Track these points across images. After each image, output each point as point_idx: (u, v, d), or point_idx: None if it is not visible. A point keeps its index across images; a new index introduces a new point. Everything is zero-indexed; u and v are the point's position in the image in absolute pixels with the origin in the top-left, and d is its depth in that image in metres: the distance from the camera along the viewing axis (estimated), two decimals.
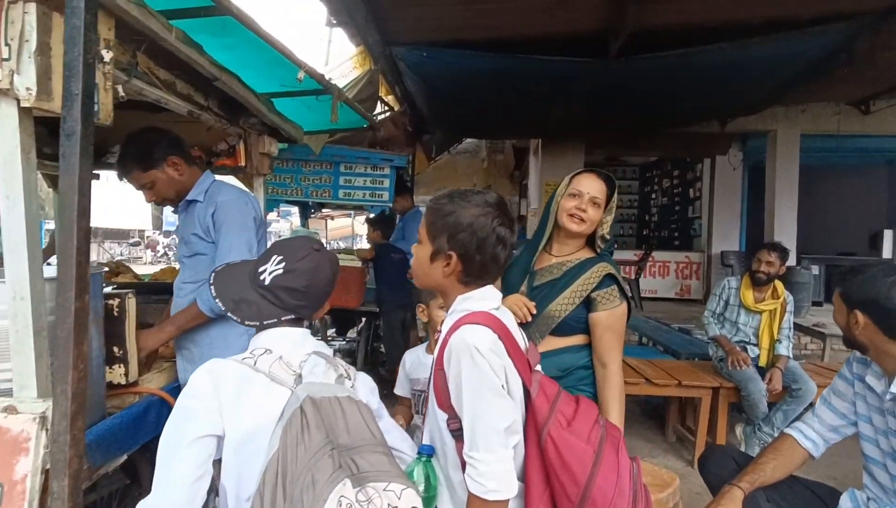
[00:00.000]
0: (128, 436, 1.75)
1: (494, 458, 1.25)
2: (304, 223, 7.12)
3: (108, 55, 1.59)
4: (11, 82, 1.35)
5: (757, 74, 5.11)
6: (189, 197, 2.26)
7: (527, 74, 5.17)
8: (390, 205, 5.18)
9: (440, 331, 1.44)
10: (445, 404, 1.33)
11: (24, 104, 1.36)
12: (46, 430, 1.35)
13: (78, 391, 1.24)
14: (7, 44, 1.37)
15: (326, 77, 3.04)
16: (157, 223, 27.39)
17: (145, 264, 22.41)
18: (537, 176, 9.03)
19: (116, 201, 17.29)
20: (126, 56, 1.81)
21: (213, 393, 1.22)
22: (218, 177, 2.47)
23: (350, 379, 1.43)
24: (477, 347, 1.26)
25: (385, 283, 5.03)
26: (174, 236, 25.44)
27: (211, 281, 1.42)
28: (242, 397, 1.24)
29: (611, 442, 1.39)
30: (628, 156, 12.10)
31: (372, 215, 5.56)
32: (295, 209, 7.45)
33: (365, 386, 1.49)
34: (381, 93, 5.56)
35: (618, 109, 6.32)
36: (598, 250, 2.10)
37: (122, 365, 1.85)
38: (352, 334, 6.71)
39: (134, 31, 1.77)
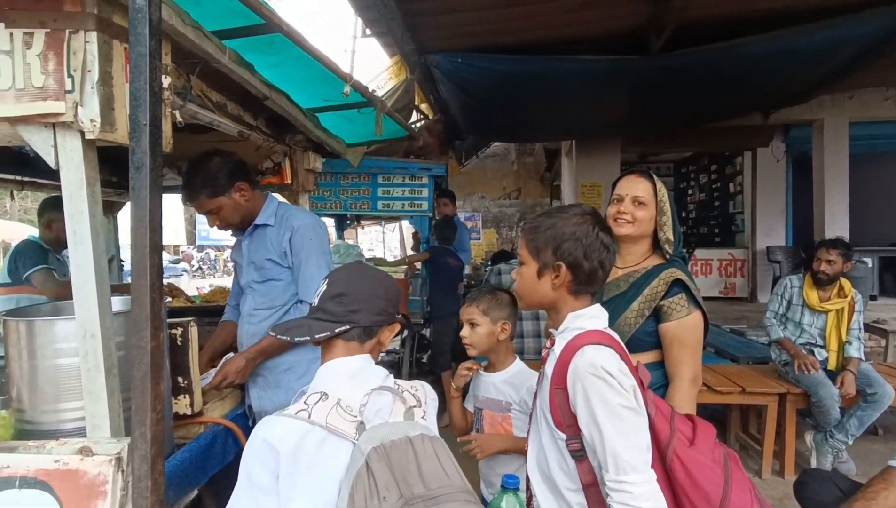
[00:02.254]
0: (198, 470, 1.70)
1: (644, 478, 1.21)
2: (341, 236, 7.10)
3: (165, 81, 1.55)
4: (76, 115, 1.31)
5: (807, 63, 4.89)
6: (258, 222, 2.22)
7: (564, 76, 5.05)
8: (430, 214, 5.11)
9: (548, 347, 1.43)
10: (565, 423, 1.30)
11: (89, 136, 1.32)
12: (122, 471, 1.30)
13: (157, 434, 1.19)
14: (70, 75, 1.33)
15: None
16: (191, 238, 27.92)
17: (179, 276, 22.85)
18: (572, 177, 8.86)
19: None
20: (181, 80, 1.78)
21: (274, 462, 1.11)
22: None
23: (421, 405, 1.33)
24: (606, 369, 1.24)
25: (438, 290, 4.88)
26: (208, 251, 26.11)
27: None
28: (299, 456, 1.12)
29: (734, 460, 1.34)
30: (665, 152, 11.79)
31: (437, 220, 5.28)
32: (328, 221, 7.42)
33: (433, 401, 1.41)
34: (416, 101, 5.51)
35: (658, 106, 6.12)
36: (668, 257, 1.99)
37: (187, 395, 1.81)
38: (391, 345, 6.65)
39: (188, 55, 1.73)
